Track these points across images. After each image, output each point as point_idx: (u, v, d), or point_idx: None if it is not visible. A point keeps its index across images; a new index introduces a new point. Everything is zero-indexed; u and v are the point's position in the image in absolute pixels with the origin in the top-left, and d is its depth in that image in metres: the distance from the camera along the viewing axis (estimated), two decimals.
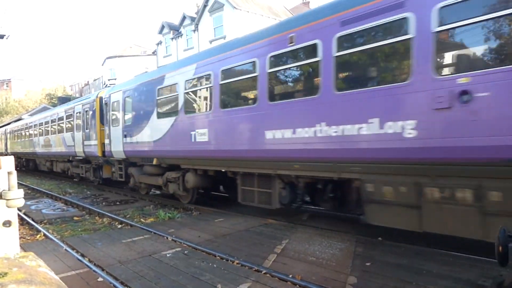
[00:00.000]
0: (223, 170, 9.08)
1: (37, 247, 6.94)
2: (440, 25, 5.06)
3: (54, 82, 76.19)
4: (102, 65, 59.74)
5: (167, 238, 7.27)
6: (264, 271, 5.20)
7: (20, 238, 8.02)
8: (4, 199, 1.35)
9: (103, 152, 14.47)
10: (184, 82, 9.89)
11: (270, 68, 7.53)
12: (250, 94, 8.34)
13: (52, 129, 21.09)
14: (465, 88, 4.77)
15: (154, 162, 11.38)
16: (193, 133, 9.48)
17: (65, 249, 6.76)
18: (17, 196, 1.35)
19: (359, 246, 6.22)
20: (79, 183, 18.52)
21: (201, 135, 9.20)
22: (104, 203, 12.36)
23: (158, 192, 13.47)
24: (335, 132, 6.30)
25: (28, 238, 8.16)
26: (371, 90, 5.88)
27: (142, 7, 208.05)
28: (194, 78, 9.65)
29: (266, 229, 7.65)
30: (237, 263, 5.62)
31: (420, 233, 5.98)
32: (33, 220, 9.69)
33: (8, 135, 33.15)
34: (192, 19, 34.95)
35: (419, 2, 5.27)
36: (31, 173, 27.35)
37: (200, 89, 9.70)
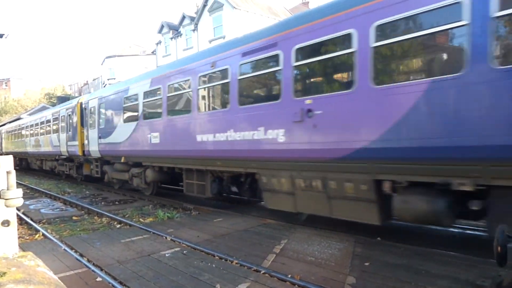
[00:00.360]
0: (172, 166, 11.16)
1: (36, 247, 6.94)
2: (296, 61, 6.97)
3: (53, 82, 76.10)
4: (102, 64, 59.66)
5: (166, 238, 7.26)
6: (263, 271, 5.20)
7: (18, 237, 7.96)
8: (3, 198, 1.34)
9: (83, 151, 16.45)
10: (142, 93, 11.95)
11: (199, 86, 9.53)
12: (187, 106, 10.15)
13: (41, 130, 22.85)
14: (310, 107, 6.67)
15: (122, 160, 13.25)
16: (149, 135, 11.55)
17: (64, 249, 6.75)
18: (16, 195, 1.35)
19: (358, 246, 6.22)
20: (78, 183, 18.53)
21: (155, 137, 11.27)
22: (103, 203, 12.36)
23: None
24: (239, 136, 8.26)
25: (27, 237, 8.15)
26: (258, 106, 7.93)
27: (142, 7, 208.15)
28: (149, 90, 11.68)
29: (265, 229, 7.66)
30: (236, 263, 5.61)
31: (419, 233, 6.03)
32: (31, 219, 9.68)
33: (3, 135, 33.93)
34: (192, 18, 34.94)
35: (285, 44, 7.19)
36: (30, 172, 27.40)
37: (153, 100, 11.56)
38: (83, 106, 16.60)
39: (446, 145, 4.94)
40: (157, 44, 40.87)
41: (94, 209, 10.84)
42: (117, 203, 12.31)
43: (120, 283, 5.03)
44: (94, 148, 15.22)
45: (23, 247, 6.97)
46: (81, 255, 6.40)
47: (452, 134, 4.88)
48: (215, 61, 8.94)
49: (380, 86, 5.67)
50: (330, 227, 7.53)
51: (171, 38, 38.29)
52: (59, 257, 6.27)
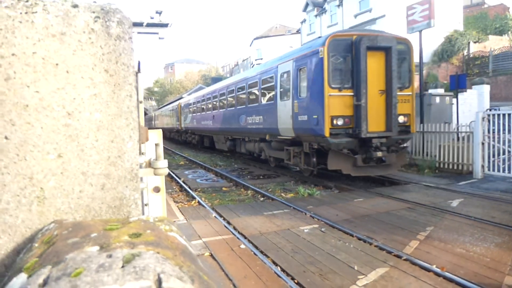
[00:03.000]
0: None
1: (192, 212, 7.90)
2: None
3: (209, 64, 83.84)
4: (250, 46, 63.06)
5: (305, 214, 7.40)
6: (404, 257, 4.91)
7: (179, 202, 9.25)
8: (153, 167, 1.52)
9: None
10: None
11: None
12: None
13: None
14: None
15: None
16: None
17: (214, 216, 7.46)
18: (163, 166, 1.52)
19: None
20: (228, 156, 20.31)
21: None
22: (249, 176, 13.22)
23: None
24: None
25: (185, 203, 9.31)
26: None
27: None
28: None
29: (409, 213, 7.18)
30: (375, 246, 5.42)
31: None
32: (189, 188, 11.03)
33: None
34: None
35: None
36: (187, 145, 30.47)
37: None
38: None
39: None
40: (301, 22, 41.05)
41: (241, 182, 11.69)
42: (261, 177, 13.01)
43: (261, 252, 5.34)
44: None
45: (182, 210, 8.04)
46: (228, 223, 6.98)
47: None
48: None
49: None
50: (487, 217, 6.69)
51: (316, 16, 37.93)
52: (210, 222, 6.99)
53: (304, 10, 39.93)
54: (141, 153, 1.51)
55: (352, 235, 5.93)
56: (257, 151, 15.20)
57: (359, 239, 5.77)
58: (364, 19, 30.68)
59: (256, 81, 14.31)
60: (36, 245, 0.98)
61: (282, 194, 9.89)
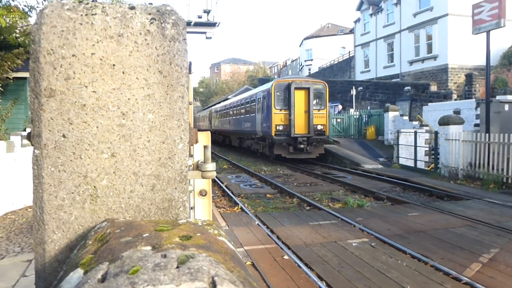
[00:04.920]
0: None
1: (234, 218, 8.00)
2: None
3: (256, 64, 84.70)
4: (300, 46, 63.04)
5: (354, 226, 7.28)
6: (463, 281, 4.69)
7: (221, 208, 9.40)
8: (201, 170, 1.56)
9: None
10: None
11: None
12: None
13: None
14: None
15: None
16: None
17: (257, 223, 7.52)
18: (211, 168, 1.56)
19: None
20: (273, 162, 20.42)
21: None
22: (294, 183, 13.24)
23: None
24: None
25: (228, 209, 9.47)
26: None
27: None
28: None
29: (470, 231, 6.84)
30: (430, 266, 5.24)
31: None
32: (232, 193, 11.21)
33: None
34: None
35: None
36: (232, 149, 31.25)
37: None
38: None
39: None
40: (355, 22, 40.54)
41: (286, 189, 11.70)
42: (308, 185, 12.99)
43: (306, 265, 5.31)
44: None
45: (224, 216, 8.15)
46: (272, 232, 7.02)
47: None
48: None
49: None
50: None
51: (371, 15, 37.35)
52: (253, 230, 7.05)
53: (359, 9, 39.42)
54: (190, 155, 1.56)
55: (405, 252, 5.77)
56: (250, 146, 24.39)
57: (413, 257, 5.59)
58: (423, 18, 29.81)
59: (248, 100, 23.87)
60: (90, 242, 1.05)
61: (330, 204, 9.88)
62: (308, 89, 18.69)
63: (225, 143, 33.14)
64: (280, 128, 18.44)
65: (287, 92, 18.78)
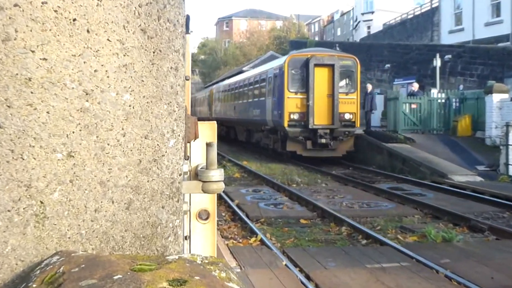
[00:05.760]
0: None
1: (249, 255, 6.93)
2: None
3: (286, 20, 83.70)
4: None
5: (437, 272, 6.48)
6: None
7: (230, 238, 8.93)
8: (201, 180, 1.49)
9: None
10: None
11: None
12: None
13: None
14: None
15: None
16: None
17: (285, 264, 6.61)
18: (218, 178, 1.45)
19: None
20: (310, 170, 19.79)
21: None
22: (343, 203, 11.51)
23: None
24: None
25: (240, 239, 8.53)
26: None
27: None
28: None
29: None
30: None
31: None
32: (247, 216, 9.83)
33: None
34: None
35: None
36: (241, 145, 27.83)
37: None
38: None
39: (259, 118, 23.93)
40: None
41: (330, 211, 10.22)
42: (364, 205, 11.38)
43: None
44: None
45: (233, 251, 7.57)
46: (308, 278, 6.11)
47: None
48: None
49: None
50: None
51: None
52: (278, 274, 6.08)
53: None
54: (186, 157, 1.55)
55: None
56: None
57: None
58: None
59: (257, 79, 25.93)
60: (34, 286, 0.99)
61: (399, 236, 8.67)
62: (332, 66, 18.53)
63: (229, 136, 31.31)
64: (295, 117, 18.80)
65: (304, 70, 18.56)
